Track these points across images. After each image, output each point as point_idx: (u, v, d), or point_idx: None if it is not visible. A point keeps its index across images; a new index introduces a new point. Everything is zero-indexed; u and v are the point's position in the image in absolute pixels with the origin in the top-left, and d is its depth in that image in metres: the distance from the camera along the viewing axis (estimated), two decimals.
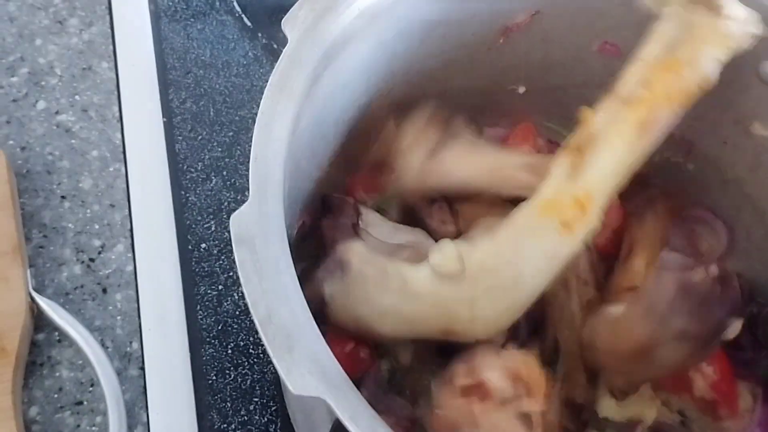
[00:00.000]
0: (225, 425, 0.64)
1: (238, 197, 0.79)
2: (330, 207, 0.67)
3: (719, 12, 0.55)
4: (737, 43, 0.56)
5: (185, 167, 0.79)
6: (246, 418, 0.65)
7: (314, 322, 0.42)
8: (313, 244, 0.67)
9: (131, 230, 0.76)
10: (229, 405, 0.65)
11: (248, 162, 0.46)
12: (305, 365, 0.39)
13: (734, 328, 0.67)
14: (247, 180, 0.45)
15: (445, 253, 0.57)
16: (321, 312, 0.56)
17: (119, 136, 0.83)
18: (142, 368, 0.68)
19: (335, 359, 0.41)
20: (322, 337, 0.41)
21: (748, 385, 0.68)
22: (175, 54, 0.88)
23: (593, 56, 0.69)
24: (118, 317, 0.71)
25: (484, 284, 0.58)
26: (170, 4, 0.93)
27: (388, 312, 0.57)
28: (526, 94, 0.74)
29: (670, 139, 0.72)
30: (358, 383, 0.39)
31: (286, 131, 0.47)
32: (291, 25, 0.51)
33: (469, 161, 0.65)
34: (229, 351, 0.69)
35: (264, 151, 0.45)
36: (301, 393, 0.38)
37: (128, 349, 0.70)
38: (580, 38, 0.69)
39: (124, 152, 0.81)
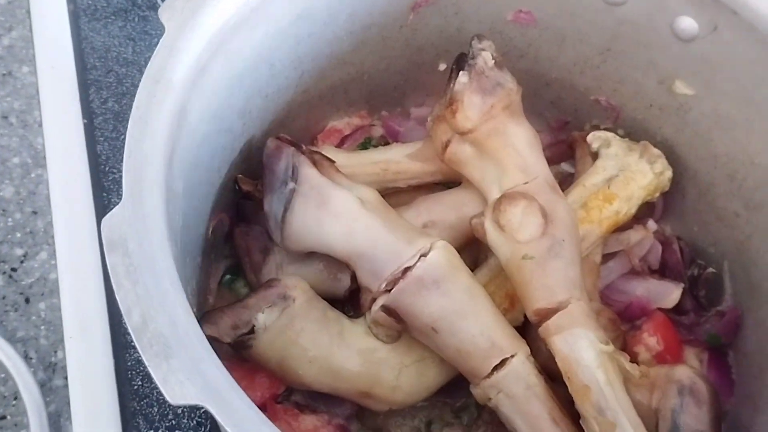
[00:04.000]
0: (152, 431, 0.63)
1: None
2: (244, 214, 0.65)
3: (652, 161, 0.66)
4: (661, 189, 0.66)
5: (107, 168, 0.77)
6: (174, 422, 0.63)
7: (197, 326, 0.40)
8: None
9: (54, 237, 0.74)
10: (156, 410, 0.63)
11: None
12: (184, 373, 0.37)
13: (675, 294, 0.67)
14: None
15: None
16: (243, 342, 0.55)
17: (41, 141, 0.81)
18: (67, 378, 0.66)
19: (219, 362, 0.39)
20: (205, 340, 0.39)
21: (694, 350, 0.68)
22: (95, 53, 0.86)
23: (509, 26, 0.68)
24: (42, 327, 0.69)
25: (417, 354, 0.58)
26: (90, 2, 0.90)
27: (317, 358, 0.56)
28: (447, 71, 0.71)
29: (597, 106, 0.72)
30: None
31: (165, 125, 0.45)
32: (168, 14, 0.48)
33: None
34: None
35: (139, 146, 0.43)
36: (180, 402, 0.36)
37: (53, 359, 0.68)
38: (493, 9, 0.67)
39: (46, 157, 0.79)
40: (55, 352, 0.68)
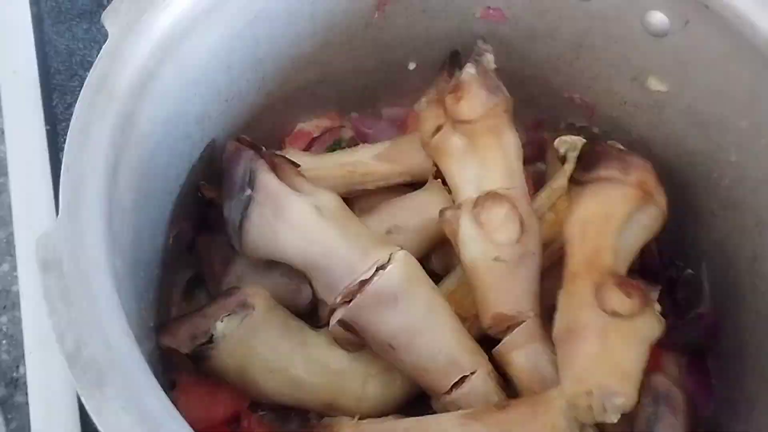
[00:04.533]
0: None
1: None
2: (209, 222, 0.63)
3: None
4: None
5: None
6: None
7: (135, 350, 0.38)
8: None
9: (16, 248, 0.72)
10: None
11: None
12: (119, 402, 0.35)
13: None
14: None
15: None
16: (201, 352, 0.54)
17: (3, 148, 0.79)
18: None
19: (158, 388, 0.37)
20: (144, 365, 0.38)
21: (672, 355, 0.66)
22: (59, 57, 0.83)
23: (478, 23, 0.66)
24: (4, 341, 0.68)
25: (383, 364, 0.56)
26: (54, 4, 0.87)
27: (279, 368, 0.55)
28: (417, 70, 0.70)
29: (572, 104, 0.70)
30: None
31: (107, 136, 0.43)
32: (112, 19, 0.47)
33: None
34: None
35: (77, 161, 0.41)
36: None
37: (14, 374, 0.66)
38: (461, 6, 0.65)
39: (7, 165, 0.77)
40: (17, 367, 0.66)
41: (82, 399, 0.35)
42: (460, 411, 0.52)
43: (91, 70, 0.45)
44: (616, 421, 0.48)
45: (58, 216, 0.40)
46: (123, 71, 0.45)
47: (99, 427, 0.34)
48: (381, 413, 0.56)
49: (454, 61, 0.66)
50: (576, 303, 0.52)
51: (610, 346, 0.49)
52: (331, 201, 0.56)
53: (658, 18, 0.57)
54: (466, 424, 0.51)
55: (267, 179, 0.55)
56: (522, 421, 0.50)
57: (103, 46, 0.46)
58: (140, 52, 0.47)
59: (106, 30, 0.86)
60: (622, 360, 0.49)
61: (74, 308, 0.37)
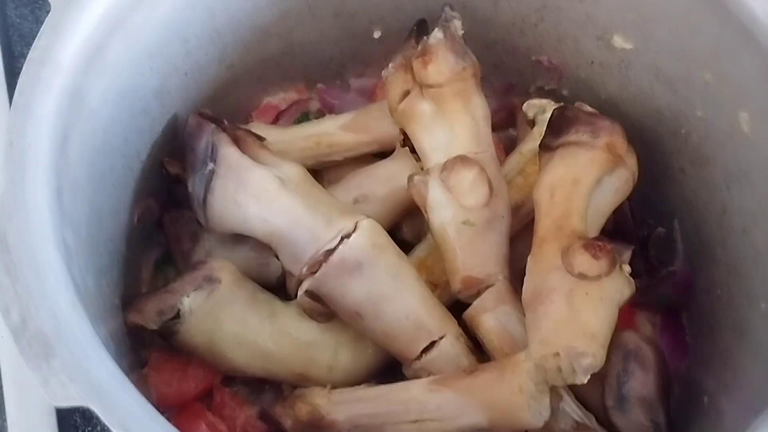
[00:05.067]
0: (89, 428, 0.61)
1: None
2: (176, 199, 0.63)
3: None
4: None
5: None
6: None
7: (84, 321, 0.37)
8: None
9: None
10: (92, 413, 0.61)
11: None
12: (67, 372, 0.35)
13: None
14: None
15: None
16: (169, 328, 0.53)
17: None
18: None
19: (108, 358, 0.37)
20: (92, 335, 0.37)
21: (647, 314, 0.66)
22: (23, 41, 0.83)
23: None
24: None
25: (353, 333, 0.56)
26: None
27: (248, 341, 0.55)
28: (383, 39, 0.69)
29: (540, 67, 0.69)
30: None
31: (51, 109, 0.43)
32: None
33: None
34: None
35: (21, 135, 0.41)
36: (62, 404, 0.34)
37: None
38: None
39: None
40: None
41: (29, 371, 0.35)
42: (429, 377, 0.52)
43: (33, 44, 0.44)
44: (585, 381, 0.48)
45: (2, 190, 0.39)
46: (67, 44, 0.45)
47: (47, 398, 0.34)
48: (353, 382, 0.56)
49: (421, 29, 0.65)
50: (544, 267, 0.51)
51: (577, 308, 0.49)
52: (295, 172, 0.56)
53: None
54: (435, 390, 0.51)
55: (229, 152, 0.55)
56: (490, 384, 0.49)
57: (46, 19, 0.45)
58: (85, 23, 0.46)
59: None
60: (589, 321, 0.48)
61: (19, 282, 0.37)
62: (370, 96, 0.73)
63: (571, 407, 0.51)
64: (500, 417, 0.48)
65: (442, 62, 0.57)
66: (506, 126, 0.73)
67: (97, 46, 0.47)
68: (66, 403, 0.34)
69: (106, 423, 0.33)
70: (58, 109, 0.43)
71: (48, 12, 0.83)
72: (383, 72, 0.62)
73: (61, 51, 0.44)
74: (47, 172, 0.41)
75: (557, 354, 0.47)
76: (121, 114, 0.52)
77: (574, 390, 0.53)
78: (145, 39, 0.52)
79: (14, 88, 0.77)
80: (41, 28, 0.45)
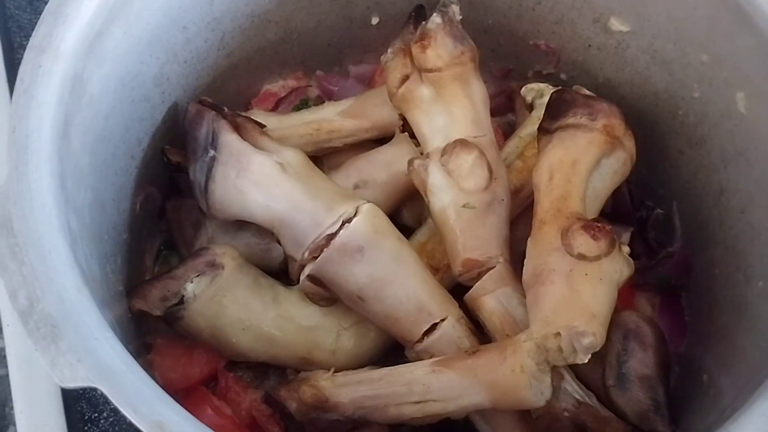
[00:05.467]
0: (96, 414, 0.61)
1: None
2: (178, 186, 0.63)
3: None
4: None
5: None
6: None
7: (90, 303, 0.38)
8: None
9: None
10: (100, 392, 0.62)
11: None
12: (74, 354, 0.36)
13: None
14: None
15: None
16: (173, 314, 0.54)
17: None
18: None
19: (114, 339, 0.37)
20: (99, 317, 0.38)
21: (646, 295, 0.66)
22: (22, 32, 0.82)
23: None
24: None
25: (355, 317, 0.56)
26: None
27: (251, 326, 0.55)
28: (381, 25, 0.70)
29: (538, 51, 0.69)
30: None
31: (52, 96, 0.43)
32: None
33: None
34: None
35: (24, 121, 0.41)
36: (70, 385, 0.35)
37: None
38: None
39: None
40: None
41: (38, 353, 0.35)
42: (431, 359, 0.52)
43: (34, 31, 0.44)
44: (586, 361, 0.48)
45: (6, 175, 0.40)
46: (67, 31, 0.45)
47: (55, 380, 0.35)
48: (355, 366, 0.57)
49: (419, 14, 0.65)
50: (543, 248, 0.52)
51: (576, 288, 0.49)
52: (295, 157, 0.56)
53: None
54: (438, 371, 0.51)
55: (229, 139, 0.55)
56: (491, 365, 0.50)
57: (46, 6, 0.45)
58: (85, 10, 0.46)
59: None
60: (589, 301, 0.49)
61: (26, 265, 0.37)
62: (368, 82, 0.73)
63: (572, 386, 0.52)
64: (502, 396, 0.49)
65: (441, 47, 0.57)
66: (505, 111, 0.74)
67: (97, 32, 0.47)
68: (74, 384, 0.34)
69: (115, 403, 0.34)
70: (60, 96, 0.43)
71: (46, 3, 0.84)
72: (382, 57, 0.62)
73: (62, 38, 0.44)
74: (50, 159, 0.41)
75: (558, 334, 0.47)
76: (121, 101, 0.52)
77: (575, 369, 0.53)
78: (144, 26, 0.52)
79: (14, 79, 0.77)
80: (41, 15, 0.45)
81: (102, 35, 0.48)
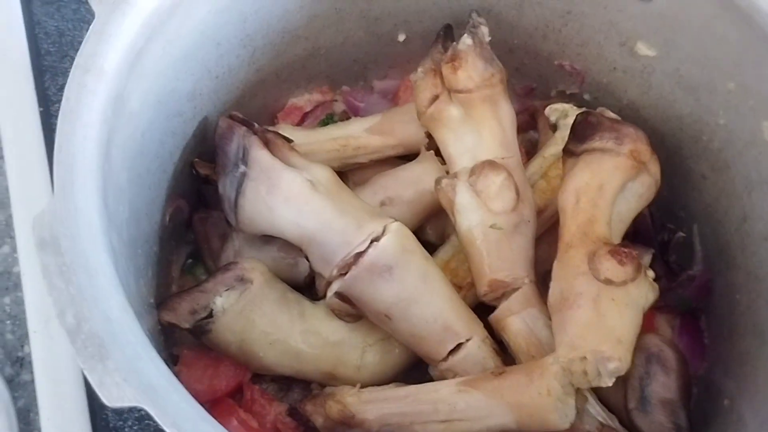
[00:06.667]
0: (121, 422, 0.62)
1: None
2: (205, 199, 0.64)
3: None
4: None
5: None
6: (143, 412, 0.61)
7: (135, 323, 0.38)
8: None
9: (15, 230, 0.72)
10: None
11: None
12: (120, 374, 0.36)
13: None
14: None
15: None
16: (201, 327, 0.55)
17: None
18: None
19: (158, 359, 0.38)
20: (143, 337, 0.38)
21: (666, 317, 0.67)
22: (49, 38, 0.83)
23: None
24: (8, 321, 0.68)
25: (380, 333, 0.57)
26: None
27: (278, 340, 0.56)
28: (407, 42, 0.70)
29: (562, 71, 0.70)
30: None
31: (98, 115, 0.44)
32: None
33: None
34: None
35: (69, 140, 0.42)
36: (117, 405, 0.35)
37: (20, 353, 0.67)
38: None
39: (3, 148, 0.77)
40: (22, 346, 0.67)
41: (85, 372, 0.36)
42: (457, 378, 0.53)
43: (79, 51, 0.45)
44: (611, 384, 0.49)
45: (53, 195, 0.40)
46: (111, 50, 0.46)
47: (102, 399, 0.35)
48: (380, 381, 0.57)
49: (448, 34, 0.66)
50: (570, 272, 0.52)
51: (603, 313, 0.50)
52: (325, 174, 0.57)
53: None
54: (464, 390, 0.52)
55: (260, 155, 0.56)
56: (518, 386, 0.51)
57: (90, 26, 0.46)
58: (127, 30, 0.47)
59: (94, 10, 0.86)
60: (615, 326, 0.50)
61: (73, 284, 0.38)
62: (392, 97, 0.74)
63: (595, 409, 0.52)
64: (528, 418, 0.50)
65: (472, 68, 0.58)
66: (527, 128, 0.74)
67: (138, 51, 0.48)
68: (121, 403, 0.35)
69: (160, 423, 0.35)
70: (103, 115, 0.44)
71: (72, 10, 0.85)
72: (412, 76, 0.63)
73: (105, 57, 0.45)
74: (94, 177, 0.42)
75: (584, 357, 0.48)
76: (158, 117, 0.53)
77: (597, 391, 0.54)
78: (181, 43, 0.53)
79: (42, 85, 0.79)
80: (86, 35, 0.46)
81: (142, 53, 0.49)
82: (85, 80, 0.44)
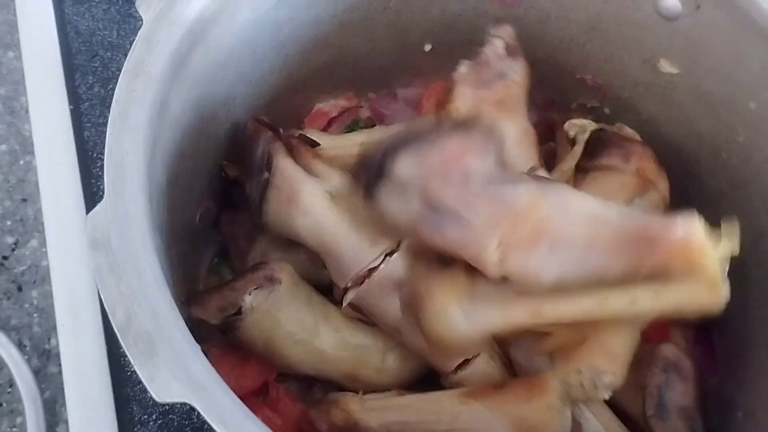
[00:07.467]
0: (146, 416, 0.63)
1: None
2: (232, 200, 0.65)
3: None
4: None
5: (95, 155, 0.77)
6: (167, 407, 0.64)
7: (181, 321, 0.40)
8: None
9: (44, 224, 0.74)
10: (149, 395, 0.64)
11: None
12: (169, 370, 0.38)
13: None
14: None
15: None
16: (230, 324, 0.56)
17: (28, 127, 0.81)
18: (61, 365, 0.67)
19: (203, 357, 0.39)
20: (189, 335, 0.40)
21: (680, 330, 0.68)
22: (80, 37, 0.85)
23: (493, 5, 0.67)
24: (35, 315, 0.70)
25: (401, 337, 0.58)
26: None
27: (303, 340, 0.57)
28: (432, 52, 0.72)
29: (583, 85, 0.71)
30: None
31: (144, 119, 0.45)
32: (145, 5, 0.48)
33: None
34: None
35: (119, 143, 0.43)
36: (166, 400, 0.37)
37: (47, 346, 0.68)
38: None
39: (33, 144, 0.79)
40: (49, 339, 0.69)
41: (135, 368, 0.37)
42: (459, 389, 0.54)
43: (128, 56, 0.47)
44: (607, 397, 0.51)
45: (105, 196, 0.42)
46: (157, 57, 0.47)
47: (152, 394, 0.37)
48: (400, 384, 0.59)
49: None
50: None
51: (598, 329, 0.51)
52: (345, 184, 0.58)
53: (670, 2, 0.59)
54: (464, 402, 0.53)
55: (284, 163, 0.57)
56: (518, 400, 0.52)
57: (139, 33, 0.48)
58: (173, 38, 0.49)
59: (125, 10, 0.88)
60: (609, 341, 0.51)
61: (123, 283, 0.39)
62: (416, 106, 0.75)
63: (595, 427, 0.54)
64: (527, 431, 0.51)
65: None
66: (545, 140, 0.76)
67: (182, 58, 0.49)
68: (170, 399, 0.36)
69: (207, 418, 0.36)
70: (150, 119, 0.46)
71: (103, 10, 0.87)
72: (457, 70, 0.63)
73: (153, 63, 0.47)
74: (142, 178, 0.43)
75: (579, 370, 0.50)
76: (195, 121, 0.54)
77: (615, 399, 0.55)
78: (220, 51, 0.54)
79: (73, 83, 0.81)
80: (134, 41, 0.47)
81: (185, 60, 0.50)
82: (133, 85, 0.45)
